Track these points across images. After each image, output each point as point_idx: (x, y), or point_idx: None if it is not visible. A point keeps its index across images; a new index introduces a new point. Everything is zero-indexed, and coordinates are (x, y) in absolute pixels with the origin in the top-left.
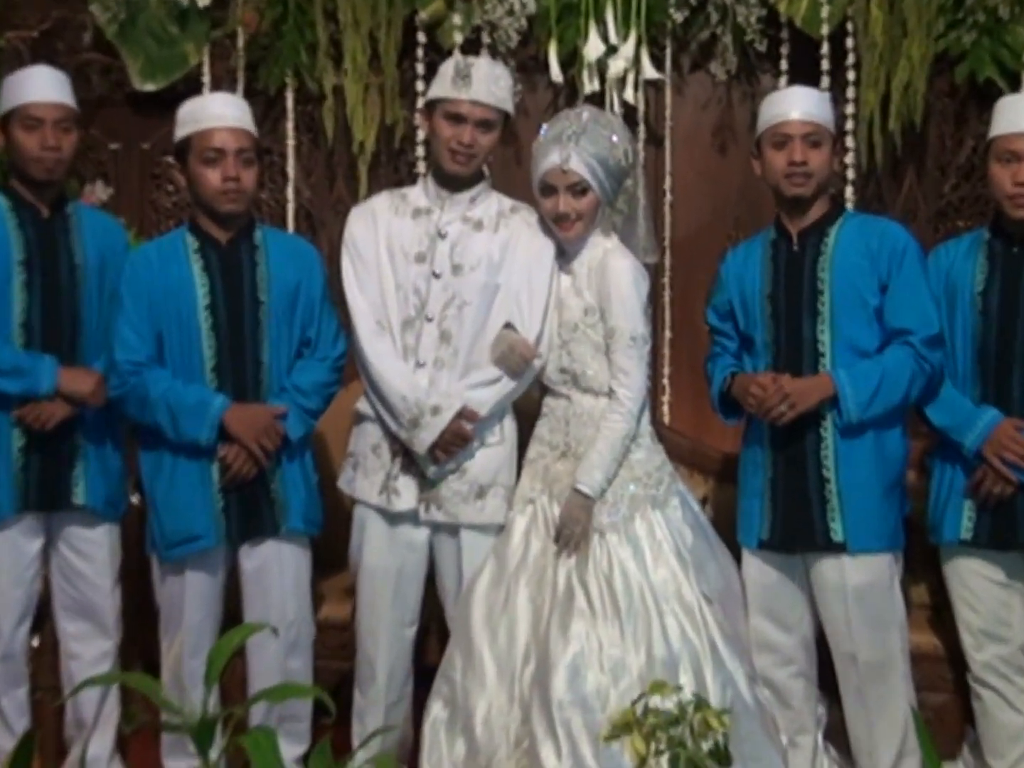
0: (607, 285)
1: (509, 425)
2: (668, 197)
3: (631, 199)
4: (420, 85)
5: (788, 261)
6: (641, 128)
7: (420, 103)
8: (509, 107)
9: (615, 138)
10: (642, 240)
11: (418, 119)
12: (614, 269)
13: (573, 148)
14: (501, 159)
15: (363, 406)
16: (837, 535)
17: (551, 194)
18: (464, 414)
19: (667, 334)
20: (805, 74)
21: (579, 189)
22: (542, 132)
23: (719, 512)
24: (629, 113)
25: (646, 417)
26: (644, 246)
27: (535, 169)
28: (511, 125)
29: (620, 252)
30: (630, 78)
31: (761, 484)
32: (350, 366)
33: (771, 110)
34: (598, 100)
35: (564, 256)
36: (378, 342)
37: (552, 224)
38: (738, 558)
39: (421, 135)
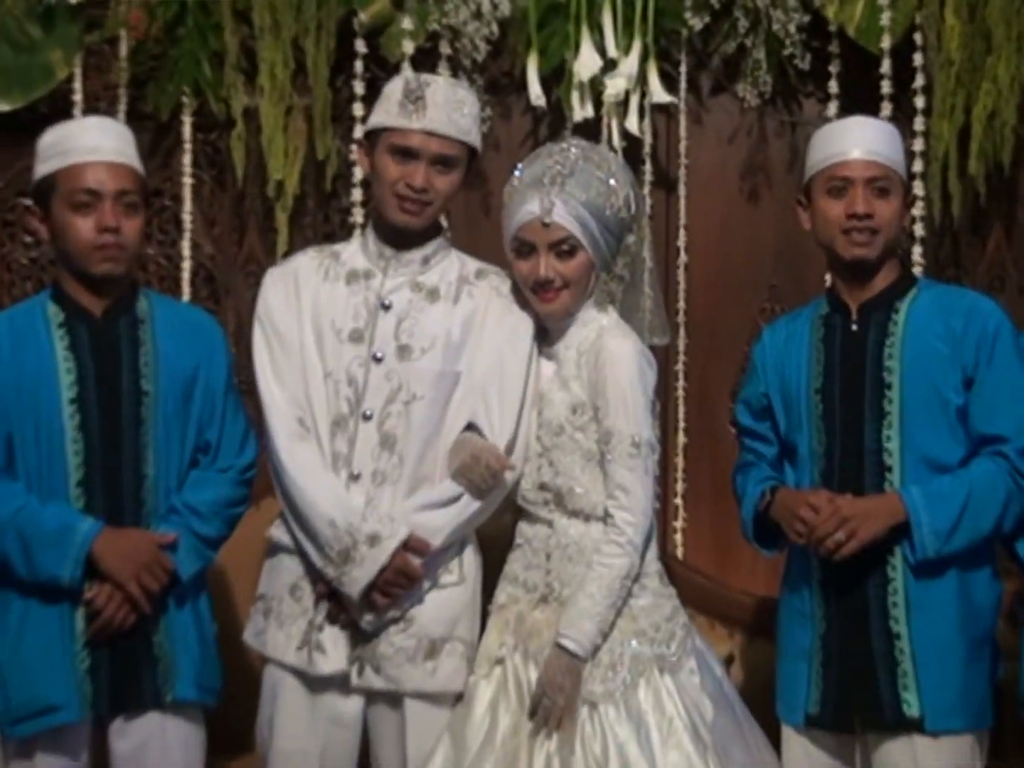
0: (602, 374)
1: (471, 560)
2: (682, 258)
3: (634, 261)
4: (358, 109)
5: (845, 344)
6: (647, 168)
7: (358, 132)
8: (475, 139)
9: (613, 181)
10: (648, 315)
11: (356, 153)
12: (612, 353)
13: (558, 194)
14: (464, 208)
15: (278, 533)
16: (911, 709)
17: (529, 254)
18: (411, 545)
19: (680, 439)
20: (860, 99)
21: (566, 248)
22: (518, 173)
23: (750, 677)
24: (632, 148)
25: (652, 550)
26: (651, 323)
27: (509, 221)
28: (477, 163)
29: (619, 331)
30: (634, 102)
31: (809, 641)
32: (262, 479)
33: (826, 147)
34: (592, 131)
35: (546, 336)
36: (299, 448)
37: (531, 293)
38: (775, 738)
39: (359, 174)
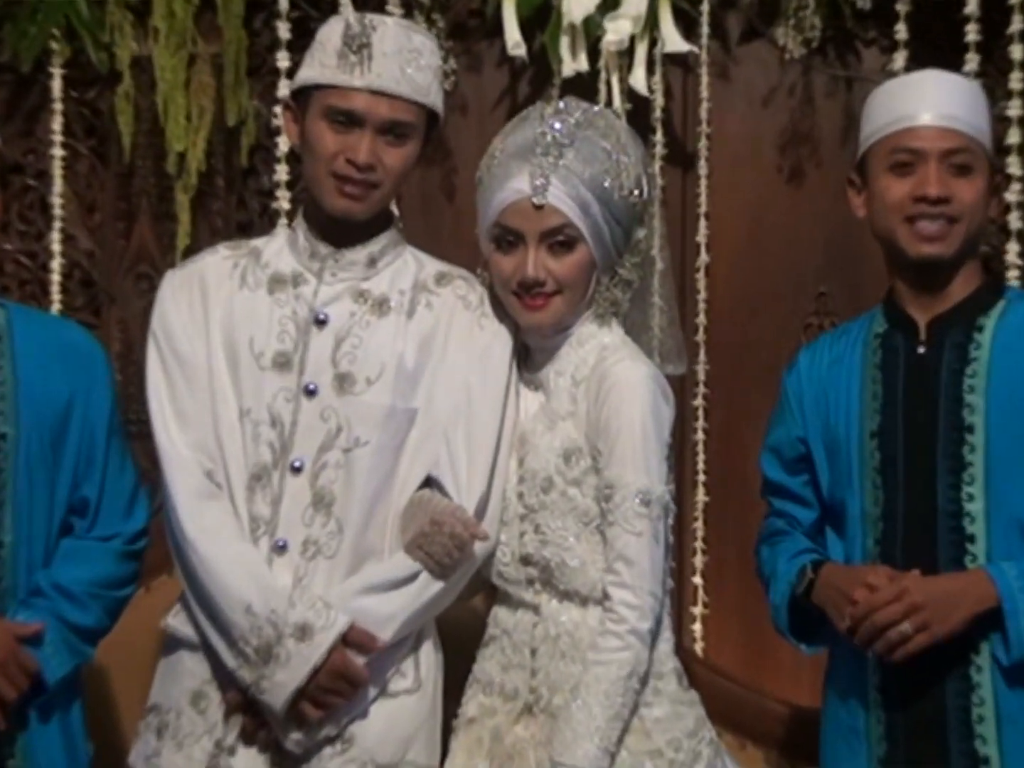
0: (606, 409)
1: (430, 659)
2: (703, 258)
3: (644, 261)
4: (283, 59)
5: (910, 373)
6: (658, 137)
7: (284, 91)
8: (434, 100)
9: (623, 156)
10: (659, 334)
11: (281, 118)
12: (619, 381)
13: (552, 169)
14: (421, 190)
15: (177, 623)
16: None
17: (513, 247)
18: (353, 639)
19: (699, 496)
20: (937, 48)
21: (561, 239)
22: (498, 143)
23: None
24: (639, 112)
25: (668, 641)
26: (662, 346)
27: (487, 203)
28: (438, 131)
29: (628, 352)
30: (641, 52)
31: (864, 766)
32: (157, 550)
33: (887, 109)
34: (586, 89)
35: (530, 359)
36: (207, 510)
37: (513, 299)
38: None
39: (285, 146)
